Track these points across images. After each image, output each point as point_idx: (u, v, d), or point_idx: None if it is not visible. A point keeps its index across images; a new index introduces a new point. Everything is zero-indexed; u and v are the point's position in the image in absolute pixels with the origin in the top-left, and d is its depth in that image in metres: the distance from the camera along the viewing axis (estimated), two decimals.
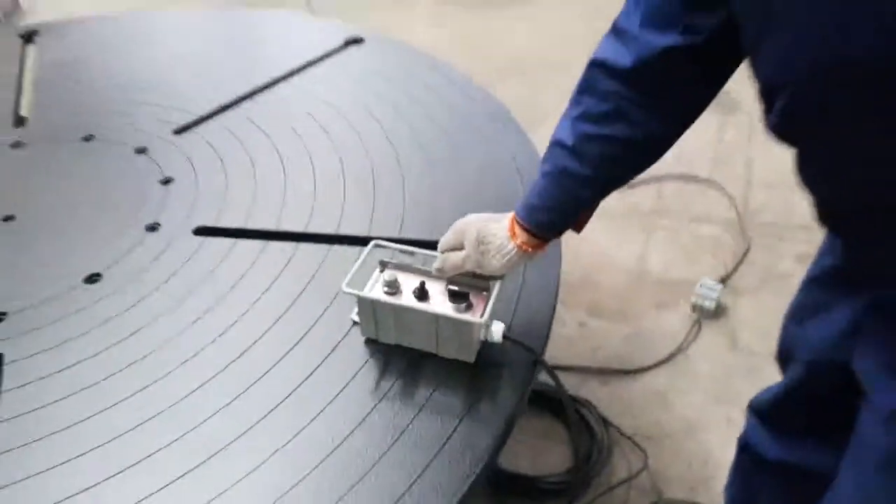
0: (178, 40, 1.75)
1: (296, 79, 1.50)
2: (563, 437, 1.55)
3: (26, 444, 0.80)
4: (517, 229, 0.81)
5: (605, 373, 1.70)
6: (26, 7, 3.78)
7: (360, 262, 0.89)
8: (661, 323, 1.83)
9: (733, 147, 2.52)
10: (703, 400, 1.64)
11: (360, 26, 1.71)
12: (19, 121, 1.47)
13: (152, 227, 1.12)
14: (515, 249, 0.81)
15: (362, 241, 1.07)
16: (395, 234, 1.07)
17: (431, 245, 0.91)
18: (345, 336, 0.91)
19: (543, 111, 2.76)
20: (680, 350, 1.75)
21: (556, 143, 0.77)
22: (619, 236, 2.12)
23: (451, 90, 1.41)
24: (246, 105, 1.42)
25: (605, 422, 1.53)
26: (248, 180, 1.20)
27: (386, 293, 0.86)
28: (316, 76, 1.50)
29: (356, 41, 1.62)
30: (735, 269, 1.95)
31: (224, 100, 1.42)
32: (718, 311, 1.81)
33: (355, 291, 0.86)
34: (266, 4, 3.72)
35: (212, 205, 1.15)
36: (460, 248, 0.86)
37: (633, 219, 2.20)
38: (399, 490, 0.72)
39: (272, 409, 0.81)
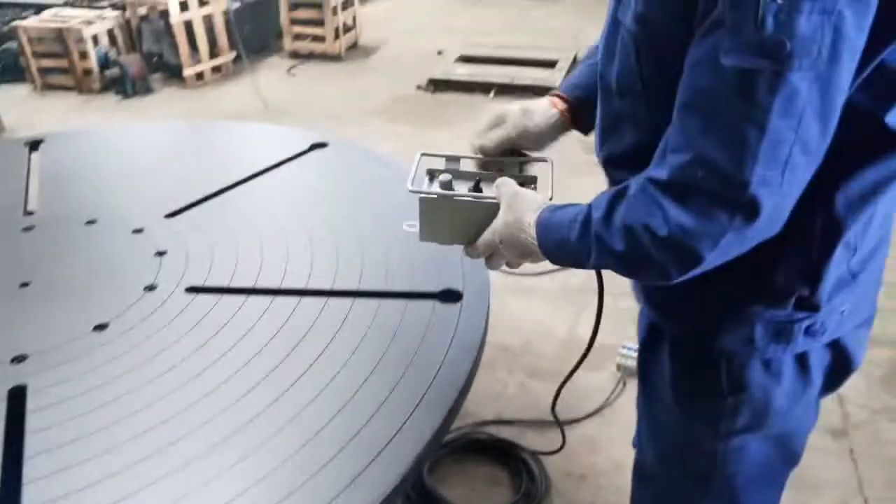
0: (165, 145, 2.04)
1: (269, 175, 1.78)
2: (508, 482, 1.73)
3: (38, 454, 0.99)
4: (557, 101, 1.04)
5: (543, 424, 1.91)
6: (8, 127, 4.08)
7: (414, 170, 0.99)
8: (591, 381, 2.06)
9: None
10: (628, 444, 1.86)
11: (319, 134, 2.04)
12: (28, 213, 1.71)
13: (150, 288, 1.34)
14: (558, 114, 1.03)
15: (327, 294, 1.32)
16: (355, 287, 1.32)
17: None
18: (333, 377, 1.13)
19: None
20: (607, 403, 1.99)
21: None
22: (553, 311, 2.39)
23: (386, 173, 1.72)
24: (227, 195, 1.69)
25: (542, 466, 1.73)
26: (230, 250, 1.45)
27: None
28: (286, 172, 1.80)
29: (321, 145, 1.94)
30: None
31: (208, 191, 1.69)
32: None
33: (419, 189, 0.96)
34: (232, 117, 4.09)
35: (200, 269, 1.39)
36: (499, 125, 1.04)
37: (567, 296, 2.48)
38: None
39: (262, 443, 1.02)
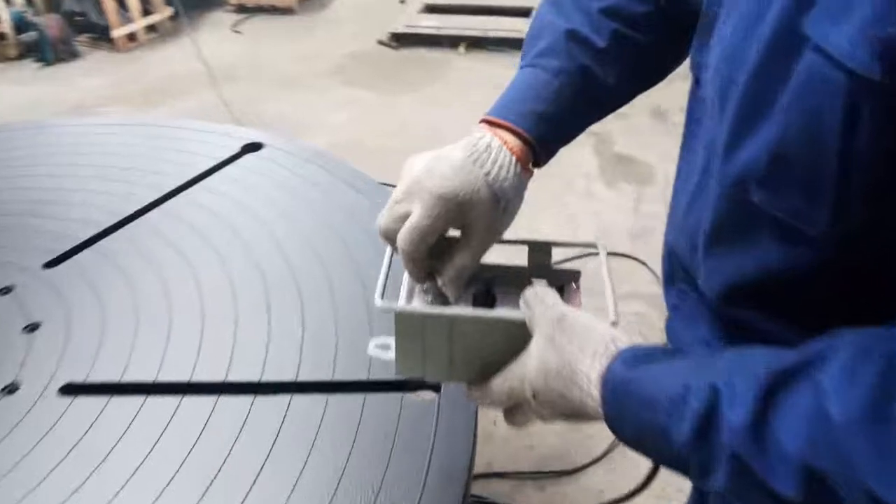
0: (49, 156, 1.61)
1: (187, 194, 1.39)
2: None
3: None
4: (510, 139, 0.64)
5: (542, 476, 1.60)
6: None
7: (385, 265, 0.65)
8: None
9: (651, 218, 2.54)
10: (644, 497, 1.57)
11: (268, 116, 1.64)
12: None
13: (10, 389, 0.97)
14: (517, 166, 0.63)
15: (253, 389, 0.96)
16: (293, 377, 0.96)
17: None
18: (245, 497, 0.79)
19: None
20: (616, 444, 1.69)
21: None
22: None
23: (350, 194, 1.34)
24: (130, 227, 1.30)
25: None
26: (128, 319, 1.08)
27: (433, 303, 0.63)
28: (210, 188, 1.40)
29: (255, 147, 1.54)
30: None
31: (105, 221, 1.30)
32: None
33: (394, 305, 0.60)
34: (176, 92, 3.62)
35: (84, 355, 1.02)
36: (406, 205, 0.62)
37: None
38: None
39: None
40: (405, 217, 0.61)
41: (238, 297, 1.11)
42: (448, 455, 0.84)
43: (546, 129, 0.65)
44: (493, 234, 0.63)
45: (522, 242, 0.67)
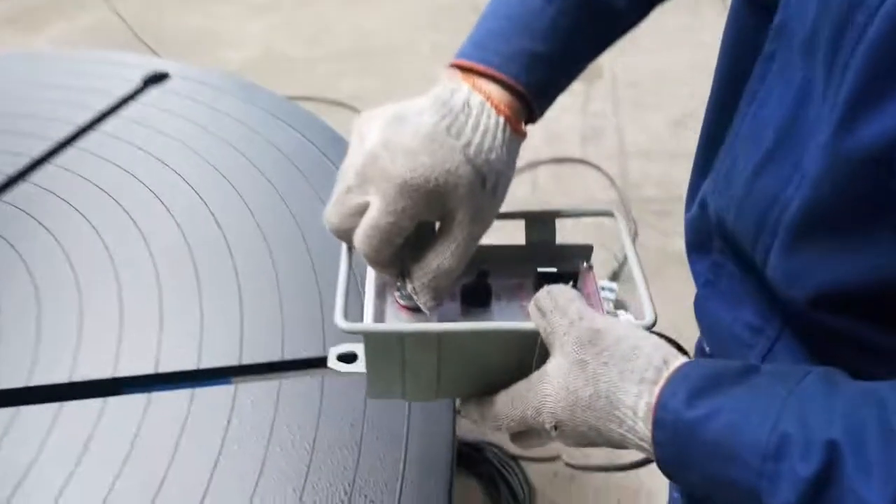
0: None
1: (80, 142, 1.17)
2: (483, 495, 1.39)
3: None
4: (493, 92, 0.48)
5: None
6: None
7: (344, 271, 0.48)
8: None
9: (601, 118, 2.42)
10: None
11: (172, 31, 1.39)
12: None
13: None
14: (507, 128, 0.48)
15: (191, 378, 0.82)
16: (235, 361, 0.83)
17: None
18: None
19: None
20: None
21: None
22: (499, 238, 1.96)
23: (277, 129, 1.16)
24: (15, 190, 1.09)
25: (521, 470, 1.39)
26: (28, 309, 0.90)
27: (408, 308, 0.48)
28: (108, 133, 1.19)
29: (158, 78, 1.31)
30: (625, 259, 1.86)
31: None
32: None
33: (362, 326, 0.46)
34: (66, 6, 3.18)
35: None
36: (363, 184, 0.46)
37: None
38: None
39: None
40: (361, 210, 0.46)
41: (158, 265, 0.94)
42: (427, 440, 0.73)
43: (542, 73, 0.49)
44: (481, 224, 0.47)
45: (518, 215, 0.53)
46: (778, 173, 0.42)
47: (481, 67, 0.48)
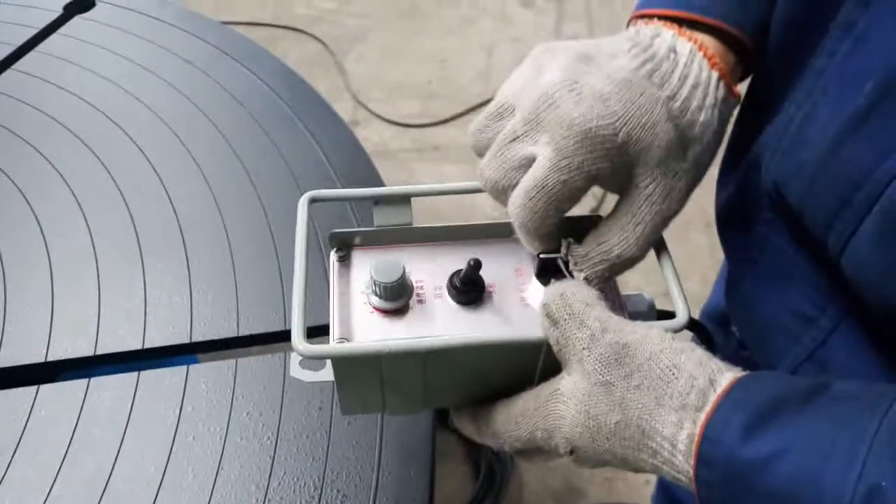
0: None
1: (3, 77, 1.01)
2: (463, 462, 1.34)
3: None
4: (707, 43, 0.39)
5: None
6: None
7: (300, 279, 0.39)
8: None
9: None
10: None
11: None
12: None
13: None
14: (720, 82, 0.38)
15: (136, 358, 0.72)
16: (185, 338, 0.73)
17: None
18: None
19: (357, 29, 2.35)
20: None
21: None
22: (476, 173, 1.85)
23: (220, 63, 1.01)
24: None
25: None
26: None
27: (383, 311, 0.39)
28: (28, 70, 1.02)
29: (83, 5, 1.13)
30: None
31: None
32: None
33: (328, 349, 0.37)
34: None
35: None
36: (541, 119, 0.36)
37: None
38: None
39: None
40: (528, 164, 0.36)
41: (92, 228, 0.82)
42: (406, 424, 0.65)
43: (757, 10, 0.38)
44: (674, 204, 0.37)
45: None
46: (875, 139, 0.32)
47: (683, 13, 0.38)
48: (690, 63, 0.37)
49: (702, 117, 0.37)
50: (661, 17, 0.40)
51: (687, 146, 0.37)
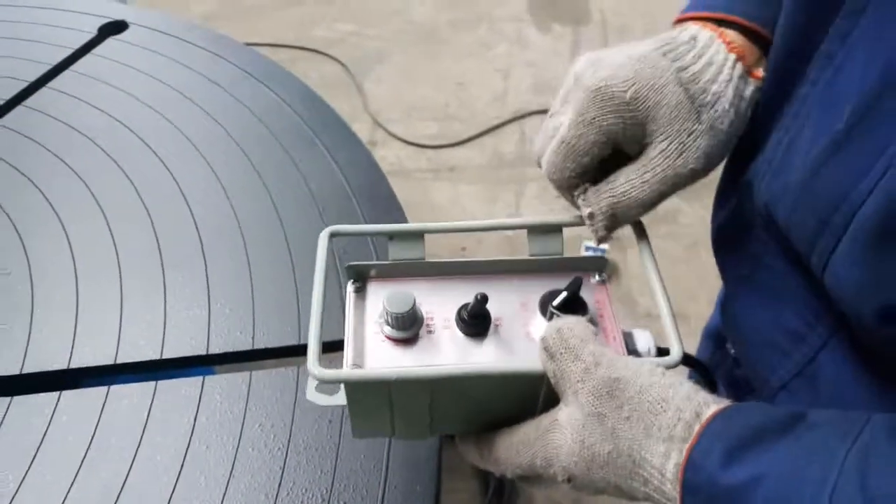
0: None
1: (33, 99, 1.04)
2: (471, 472, 1.33)
3: None
4: (736, 40, 0.42)
5: None
6: None
7: (317, 305, 0.40)
8: None
9: None
10: None
11: None
12: None
13: None
14: (737, 62, 0.41)
15: (154, 369, 0.73)
16: (202, 350, 0.73)
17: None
18: None
19: (376, 52, 2.38)
20: None
21: None
22: (490, 193, 1.86)
23: (243, 83, 1.03)
24: None
25: None
26: None
27: (394, 339, 0.40)
28: (62, 89, 1.05)
29: (116, 27, 1.16)
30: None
31: None
32: (610, 274, 1.63)
33: (342, 373, 0.37)
34: None
35: None
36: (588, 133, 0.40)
37: (501, 171, 1.94)
38: None
39: None
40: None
41: (118, 242, 0.84)
42: (413, 441, 0.65)
43: (776, 15, 0.41)
44: (689, 161, 0.39)
45: (520, 227, 0.44)
46: (851, 162, 0.33)
47: (708, 14, 0.42)
48: (708, 47, 0.41)
49: (714, 87, 0.40)
50: (694, 20, 0.43)
51: (700, 110, 0.39)
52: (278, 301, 0.76)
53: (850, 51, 0.34)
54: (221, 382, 0.71)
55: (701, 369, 0.42)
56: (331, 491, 0.62)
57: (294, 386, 0.70)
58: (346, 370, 0.38)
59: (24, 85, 1.05)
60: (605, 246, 1.60)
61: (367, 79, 2.23)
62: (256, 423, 0.67)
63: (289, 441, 0.66)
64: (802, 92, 0.38)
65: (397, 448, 0.64)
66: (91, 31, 1.14)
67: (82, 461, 0.66)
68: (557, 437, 0.35)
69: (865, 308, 0.33)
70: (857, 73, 0.33)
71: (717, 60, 0.40)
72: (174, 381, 0.71)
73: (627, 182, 0.40)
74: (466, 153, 1.98)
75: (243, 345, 0.73)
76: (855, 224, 0.32)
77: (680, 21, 0.44)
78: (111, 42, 1.13)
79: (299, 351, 0.73)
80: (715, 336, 0.59)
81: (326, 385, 0.41)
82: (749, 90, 0.41)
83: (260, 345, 0.73)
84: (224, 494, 0.62)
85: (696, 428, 0.32)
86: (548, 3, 2.58)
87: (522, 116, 2.05)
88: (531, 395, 0.38)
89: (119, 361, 0.73)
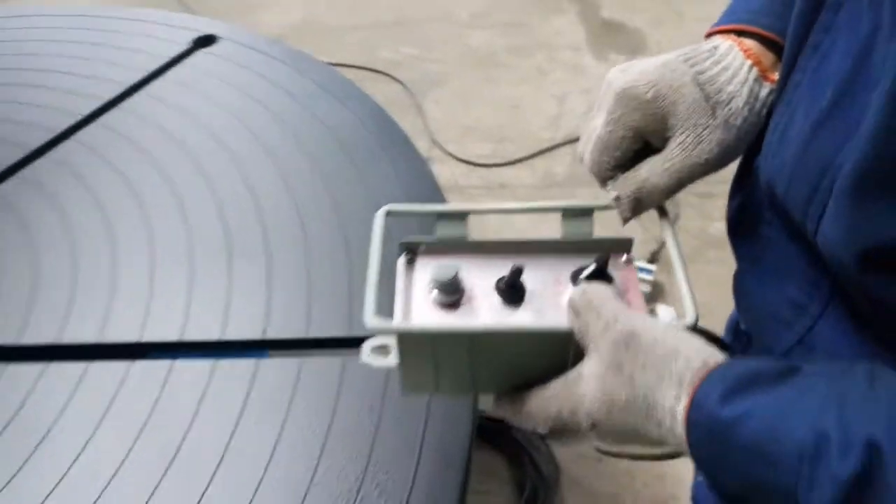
0: None
1: (127, 103, 1.13)
2: (507, 472, 1.35)
3: None
4: (752, 47, 0.47)
5: None
6: None
7: (374, 267, 0.45)
8: None
9: None
10: None
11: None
12: None
13: None
14: (762, 82, 0.46)
15: (214, 349, 0.79)
16: (259, 335, 0.79)
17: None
18: None
19: (436, 75, 2.45)
20: None
21: None
22: (539, 217, 1.88)
23: (319, 98, 1.10)
24: (60, 148, 1.06)
25: (547, 448, 1.34)
26: (63, 266, 0.88)
27: (439, 304, 0.44)
28: (154, 95, 1.15)
29: (207, 41, 1.26)
30: (663, 244, 1.77)
31: (29, 142, 1.06)
32: (655, 294, 1.63)
33: (392, 325, 0.43)
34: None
35: (12, 310, 0.83)
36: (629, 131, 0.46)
37: (551, 191, 1.96)
38: None
39: None
40: None
41: (193, 233, 0.91)
42: (445, 432, 0.68)
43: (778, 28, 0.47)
44: (705, 152, 0.44)
45: (555, 209, 0.48)
46: (833, 134, 0.37)
47: (732, 26, 0.47)
48: (726, 55, 0.46)
49: (729, 88, 0.44)
50: (720, 33, 0.48)
51: (715, 107, 0.44)
52: (333, 295, 0.81)
53: (833, 40, 0.39)
54: (274, 366, 0.76)
55: (715, 342, 0.46)
56: (365, 472, 0.66)
57: (340, 374, 0.74)
58: (397, 322, 0.43)
59: (122, 88, 1.15)
60: (653, 266, 1.61)
61: (427, 99, 2.30)
62: (301, 405, 0.72)
63: (330, 424, 0.70)
64: (796, 79, 0.42)
65: (431, 438, 0.68)
66: (184, 44, 1.24)
67: (144, 425, 0.72)
68: (582, 387, 0.39)
69: (848, 258, 0.37)
70: (838, 60, 0.38)
71: (734, 65, 0.45)
72: (231, 360, 0.77)
73: (650, 170, 0.45)
74: (518, 172, 2.02)
75: (298, 333, 0.78)
76: (837, 185, 0.36)
77: (709, 35, 0.49)
78: (201, 54, 1.23)
79: (348, 343, 0.78)
80: (733, 327, 0.62)
81: (379, 350, 0.45)
82: (764, 92, 0.46)
83: (313, 334, 0.78)
84: (267, 464, 0.67)
85: (703, 375, 0.35)
86: (606, 34, 2.61)
87: (575, 140, 2.07)
88: (561, 355, 0.42)
89: (184, 339, 0.79)
